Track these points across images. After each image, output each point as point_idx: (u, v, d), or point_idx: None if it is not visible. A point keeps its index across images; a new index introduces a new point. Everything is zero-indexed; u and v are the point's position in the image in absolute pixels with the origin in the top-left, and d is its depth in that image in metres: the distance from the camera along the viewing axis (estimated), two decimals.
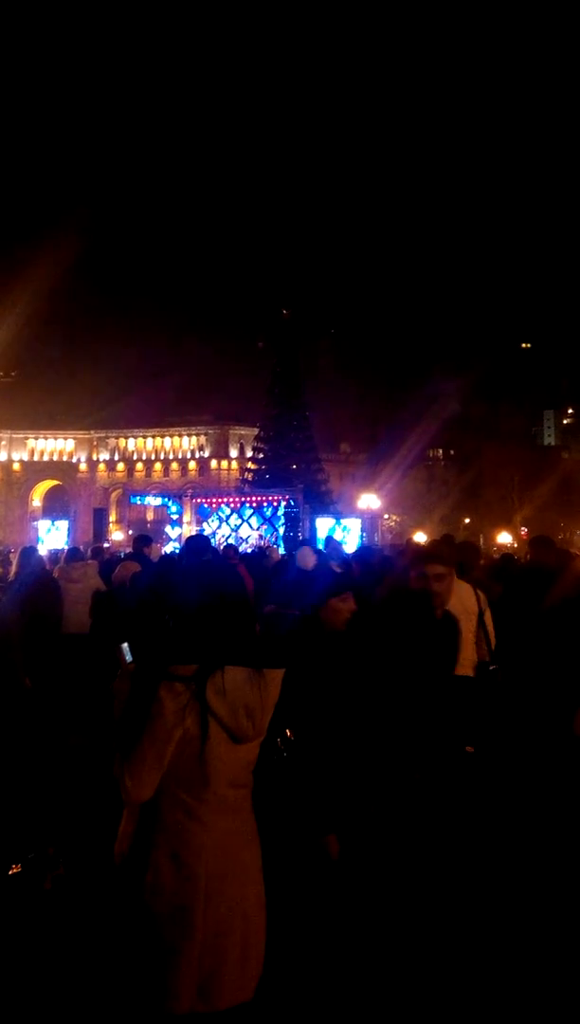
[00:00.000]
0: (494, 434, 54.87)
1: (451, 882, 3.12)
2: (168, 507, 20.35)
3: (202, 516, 19.30)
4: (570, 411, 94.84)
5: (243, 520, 18.82)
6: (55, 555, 9.81)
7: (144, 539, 7.68)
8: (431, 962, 2.82)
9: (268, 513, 18.72)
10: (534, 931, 3.10)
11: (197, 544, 6.02)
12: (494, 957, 2.91)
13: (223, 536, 17.88)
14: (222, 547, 10.75)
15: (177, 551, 12.40)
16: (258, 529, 18.53)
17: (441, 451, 59.17)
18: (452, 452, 58.64)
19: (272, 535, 18.12)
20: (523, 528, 40.95)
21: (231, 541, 15.91)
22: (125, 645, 2.07)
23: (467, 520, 49.63)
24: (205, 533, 16.90)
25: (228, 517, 18.95)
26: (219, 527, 18.73)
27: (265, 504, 18.98)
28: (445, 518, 44.44)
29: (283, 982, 2.54)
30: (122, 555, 10.29)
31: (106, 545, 16.95)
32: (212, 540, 12.13)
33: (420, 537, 21.45)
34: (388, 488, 40.07)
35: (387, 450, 45.28)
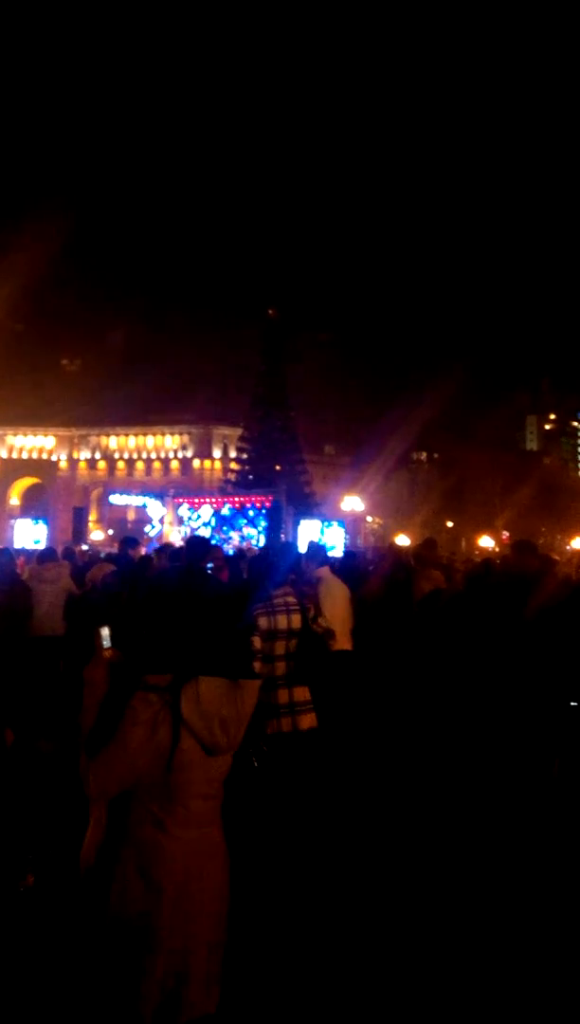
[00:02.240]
0: (477, 438, 55.40)
1: (448, 881, 3.09)
2: (145, 506, 20.14)
3: (181, 516, 19.16)
4: (552, 416, 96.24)
5: (225, 521, 18.72)
6: (30, 555, 9.60)
7: (130, 541, 7.51)
8: (426, 964, 2.78)
9: (251, 514, 18.64)
10: (534, 931, 3.07)
11: (196, 548, 5.57)
12: (493, 958, 2.87)
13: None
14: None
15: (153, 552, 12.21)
16: (240, 530, 18.44)
17: (424, 454, 59.62)
18: (436, 456, 59.09)
19: (254, 537, 18.04)
20: (505, 532, 41.36)
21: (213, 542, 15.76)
22: (105, 631, 1.99)
23: (450, 524, 50.03)
24: (184, 534, 16.75)
25: (210, 517, 18.83)
26: (199, 528, 18.60)
27: (248, 505, 18.89)
28: (427, 522, 44.73)
29: (263, 986, 2.48)
30: (102, 556, 10.12)
31: (85, 547, 16.69)
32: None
33: (403, 540, 21.51)
34: (371, 491, 40.23)
35: (371, 453, 45.47)
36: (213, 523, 18.74)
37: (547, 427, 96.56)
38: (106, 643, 1.99)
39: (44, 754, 4.54)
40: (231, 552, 12.99)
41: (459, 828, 3.89)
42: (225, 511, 18.92)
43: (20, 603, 5.66)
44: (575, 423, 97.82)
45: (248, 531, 18.36)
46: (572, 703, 3.87)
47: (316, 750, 3.88)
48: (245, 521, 18.60)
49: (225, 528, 18.62)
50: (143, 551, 12.43)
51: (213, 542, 16.08)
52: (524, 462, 62.16)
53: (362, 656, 5.34)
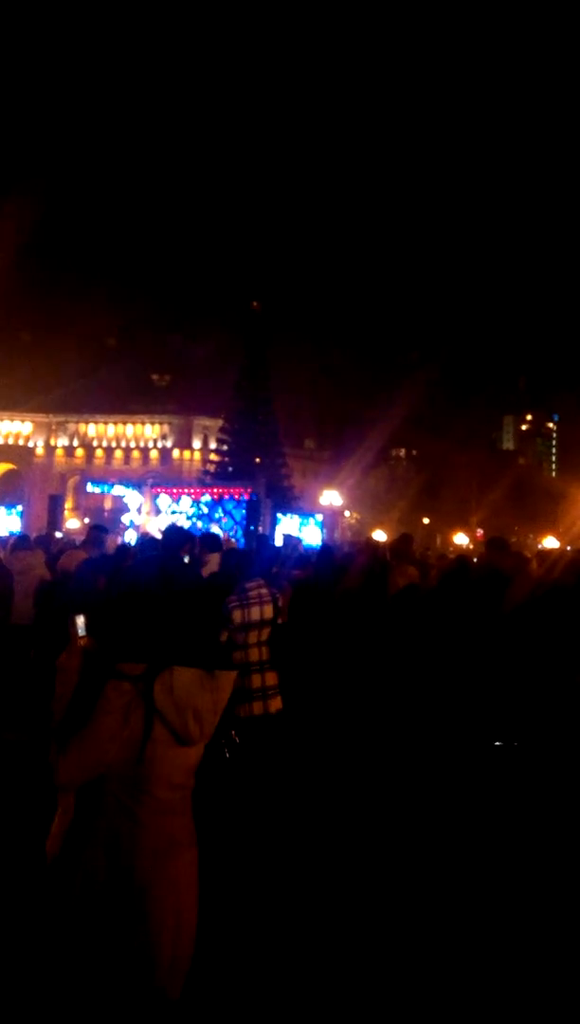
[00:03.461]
0: (454, 437, 55.95)
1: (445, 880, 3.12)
2: (123, 496, 19.96)
3: (158, 506, 19.02)
4: (528, 417, 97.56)
5: (203, 512, 18.63)
6: (3, 542, 9.45)
7: (100, 528, 7.43)
8: (422, 962, 2.81)
9: (229, 506, 18.59)
10: (533, 930, 3.11)
11: (173, 537, 5.51)
12: (482, 945, 2.91)
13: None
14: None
15: (134, 542, 12.11)
16: (218, 522, 18.39)
17: (403, 451, 59.97)
18: (414, 452, 59.49)
19: (232, 528, 17.99)
20: (479, 530, 41.88)
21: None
22: (80, 619, 1.98)
23: (426, 520, 50.47)
24: (160, 523, 16.64)
25: (188, 508, 18.74)
26: (178, 517, 18.50)
27: (226, 497, 18.83)
28: (404, 518, 45.06)
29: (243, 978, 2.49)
30: (77, 544, 9.98)
31: (59, 535, 16.47)
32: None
33: (379, 535, 21.64)
34: (350, 485, 40.38)
35: (350, 448, 45.62)
36: (192, 513, 18.65)
37: (523, 427, 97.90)
38: (81, 631, 1.97)
39: (10, 743, 4.49)
40: None
41: (428, 815, 3.95)
42: (204, 502, 18.84)
43: (2, 589, 5.58)
44: (551, 424, 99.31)
45: (226, 522, 18.31)
46: (496, 743, 3.99)
47: (285, 731, 4.03)
48: (223, 513, 18.56)
49: (203, 520, 18.55)
50: (118, 540, 12.33)
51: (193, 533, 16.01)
52: (500, 461, 62.95)
53: (335, 648, 5.37)
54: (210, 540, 6.44)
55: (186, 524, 18.15)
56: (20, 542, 7.17)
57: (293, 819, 3.91)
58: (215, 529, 17.98)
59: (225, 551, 7.71)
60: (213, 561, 5.46)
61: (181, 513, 18.70)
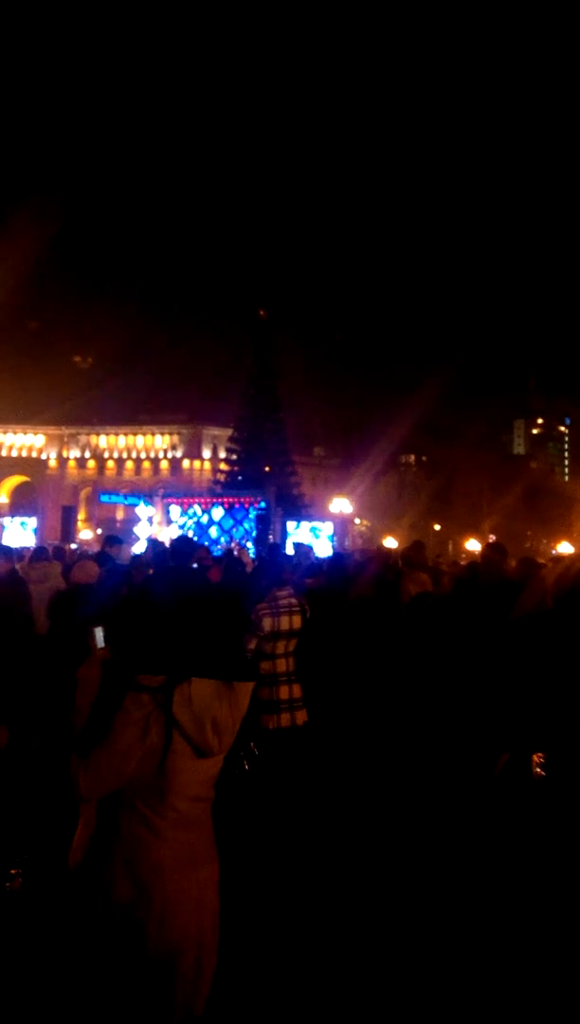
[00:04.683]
0: (464, 442, 55.73)
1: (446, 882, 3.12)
2: (135, 506, 20.08)
3: (170, 516, 19.12)
4: (539, 421, 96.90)
5: (214, 522, 18.70)
6: (20, 553, 9.55)
7: (112, 539, 7.51)
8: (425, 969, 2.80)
9: (239, 515, 18.63)
10: (529, 927, 3.11)
11: (181, 548, 5.55)
12: (489, 955, 2.90)
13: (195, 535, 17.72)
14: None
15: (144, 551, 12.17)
16: (229, 531, 18.43)
17: (413, 457, 59.80)
18: (424, 458, 59.31)
19: (243, 537, 18.03)
20: (491, 536, 41.57)
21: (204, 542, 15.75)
22: (99, 630, 2.00)
23: (437, 526, 50.22)
24: (173, 533, 16.72)
25: (199, 517, 18.81)
26: (189, 527, 18.57)
27: (236, 506, 18.88)
28: (415, 524, 44.87)
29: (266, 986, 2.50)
30: (90, 554, 10.06)
31: (73, 546, 16.61)
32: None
33: (390, 543, 21.57)
34: (360, 493, 40.29)
35: (360, 455, 45.60)
36: (204, 522, 18.71)
37: (534, 431, 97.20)
38: (100, 643, 1.99)
39: (33, 753, 4.52)
40: (219, 553, 12.98)
41: (447, 825, 3.94)
42: (215, 512, 18.91)
43: (17, 602, 5.64)
44: (562, 428, 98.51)
45: (236, 531, 18.35)
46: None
47: (311, 744, 4.04)
48: (234, 522, 18.60)
49: (215, 529, 18.60)
50: (131, 551, 12.40)
51: (204, 543, 16.15)
52: (511, 466, 62.55)
53: (349, 657, 5.37)
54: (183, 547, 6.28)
55: (196, 534, 18.23)
56: (38, 553, 7.27)
57: (314, 830, 3.89)
58: (225, 537, 18.04)
59: (228, 560, 7.76)
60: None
61: (193, 520, 18.77)
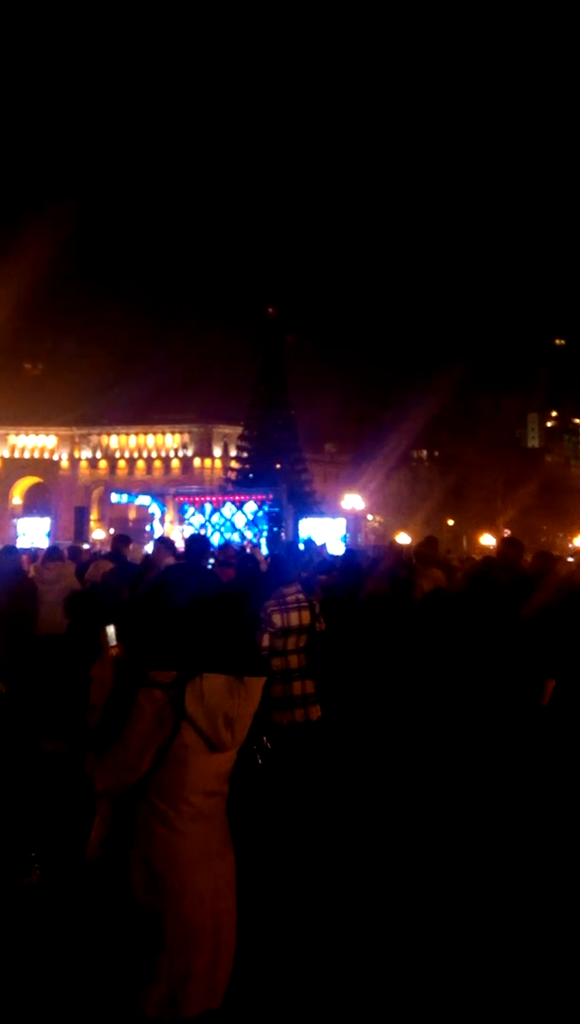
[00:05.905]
0: (478, 436, 55.29)
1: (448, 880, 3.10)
2: (148, 507, 20.18)
3: (183, 514, 19.17)
4: (554, 414, 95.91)
5: (226, 519, 18.72)
6: (34, 553, 9.64)
7: (122, 539, 7.58)
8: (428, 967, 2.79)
9: (250, 514, 18.64)
10: (534, 927, 3.09)
11: (196, 546, 5.59)
12: (493, 954, 2.89)
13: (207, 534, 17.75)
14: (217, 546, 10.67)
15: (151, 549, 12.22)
16: (242, 528, 18.46)
17: (425, 452, 59.47)
18: (436, 453, 58.95)
19: (256, 535, 18.04)
20: (506, 531, 41.26)
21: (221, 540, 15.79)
22: (111, 628, 2.00)
23: (451, 522, 49.93)
24: (185, 531, 16.77)
25: (210, 515, 18.85)
26: (202, 526, 18.62)
27: (248, 503, 18.90)
28: (428, 520, 44.63)
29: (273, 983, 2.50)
30: (103, 554, 10.13)
31: (86, 546, 16.73)
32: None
33: (403, 539, 21.49)
34: (372, 489, 40.16)
35: (371, 450, 45.39)
36: (218, 521, 18.74)
37: (549, 424, 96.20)
38: (112, 641, 2.00)
39: (49, 753, 4.56)
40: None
41: (458, 821, 3.92)
42: (226, 510, 18.93)
43: (25, 602, 5.69)
44: (577, 420, 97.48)
45: (248, 526, 18.37)
46: None
47: (324, 739, 4.07)
48: (246, 520, 18.62)
49: (227, 526, 18.63)
50: (142, 550, 12.46)
51: (220, 541, 16.18)
52: (526, 460, 61.90)
53: (363, 653, 5.36)
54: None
55: (210, 532, 18.27)
56: (52, 553, 7.34)
57: (327, 825, 3.90)
58: (236, 536, 18.06)
59: (241, 557, 7.78)
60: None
61: (205, 521, 18.81)
